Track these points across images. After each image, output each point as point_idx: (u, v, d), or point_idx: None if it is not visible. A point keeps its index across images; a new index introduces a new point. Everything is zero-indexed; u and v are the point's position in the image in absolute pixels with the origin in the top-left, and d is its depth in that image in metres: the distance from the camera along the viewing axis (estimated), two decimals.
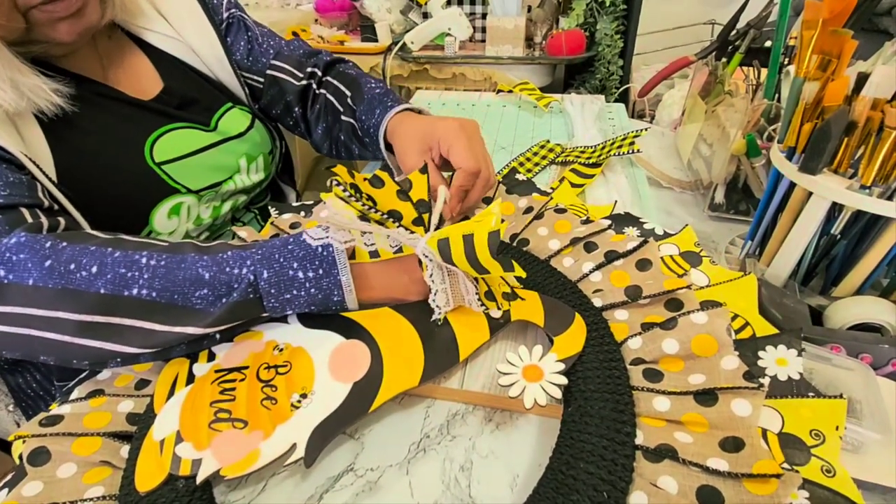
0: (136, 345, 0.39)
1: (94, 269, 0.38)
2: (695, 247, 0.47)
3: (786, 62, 0.64)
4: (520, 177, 0.60)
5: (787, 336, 0.37)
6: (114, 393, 0.42)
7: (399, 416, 0.40)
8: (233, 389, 0.39)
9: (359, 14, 1.59)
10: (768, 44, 0.82)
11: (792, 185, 0.48)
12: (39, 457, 0.36)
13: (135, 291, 0.38)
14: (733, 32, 0.86)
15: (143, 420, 0.39)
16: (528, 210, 0.54)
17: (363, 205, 0.40)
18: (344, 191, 0.39)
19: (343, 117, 0.66)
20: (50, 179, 0.47)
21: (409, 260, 0.45)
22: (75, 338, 0.38)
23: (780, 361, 0.36)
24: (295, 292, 0.41)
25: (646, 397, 0.36)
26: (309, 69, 0.67)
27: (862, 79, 0.42)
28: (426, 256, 0.41)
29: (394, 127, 0.58)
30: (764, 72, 0.67)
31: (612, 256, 0.46)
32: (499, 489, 0.35)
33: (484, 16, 1.44)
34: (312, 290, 0.41)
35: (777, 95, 0.64)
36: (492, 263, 0.38)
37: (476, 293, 0.43)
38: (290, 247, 0.41)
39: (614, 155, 0.69)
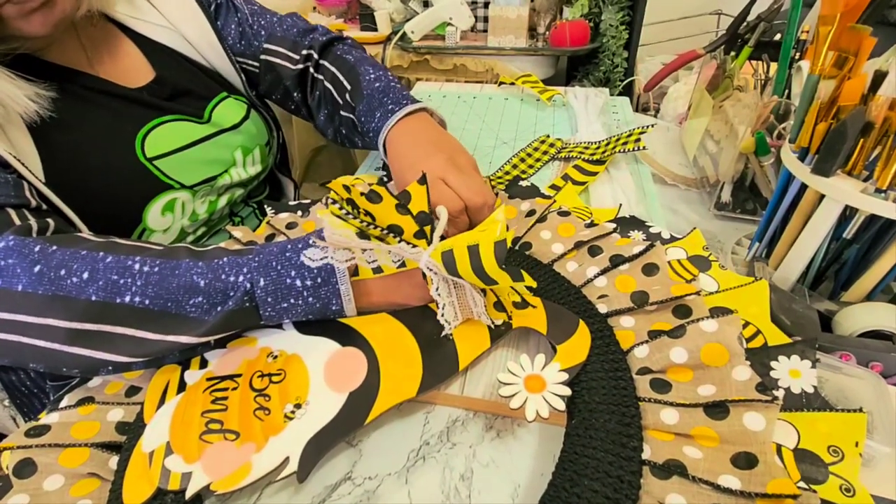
0: (127, 353, 0.37)
1: (86, 276, 0.37)
2: (703, 251, 0.45)
3: (797, 57, 0.62)
4: (523, 183, 0.58)
5: (800, 346, 0.36)
6: (104, 401, 0.40)
7: (398, 422, 0.39)
8: (225, 399, 0.38)
9: (358, 2, 1.55)
10: (779, 37, 0.80)
11: (803, 187, 0.46)
12: (25, 469, 0.35)
13: (127, 299, 0.37)
14: (743, 25, 0.83)
15: (133, 430, 0.38)
16: (531, 213, 0.53)
17: (361, 221, 0.39)
18: (340, 209, 0.38)
19: (343, 112, 0.63)
20: (39, 179, 0.45)
21: (410, 271, 0.44)
22: (65, 346, 0.37)
23: (794, 373, 0.35)
24: (292, 301, 0.40)
25: (653, 409, 0.35)
26: (304, 51, 0.64)
27: (879, 77, 0.41)
28: (430, 270, 0.39)
29: (391, 140, 0.55)
30: (774, 66, 0.65)
31: (617, 261, 0.44)
32: (500, 499, 0.33)
33: (486, 5, 1.41)
34: (310, 299, 0.40)
35: (787, 91, 0.62)
36: (500, 274, 0.36)
37: (484, 305, 0.41)
38: (287, 254, 0.40)
39: (619, 152, 0.67)
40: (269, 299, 0.39)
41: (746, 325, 0.39)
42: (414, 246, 0.39)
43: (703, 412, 0.33)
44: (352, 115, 0.62)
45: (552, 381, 0.36)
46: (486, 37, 1.42)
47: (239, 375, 0.40)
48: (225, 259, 0.40)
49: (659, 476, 0.31)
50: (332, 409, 0.37)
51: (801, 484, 0.29)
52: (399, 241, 0.39)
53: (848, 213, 0.45)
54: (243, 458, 0.34)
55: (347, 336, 0.41)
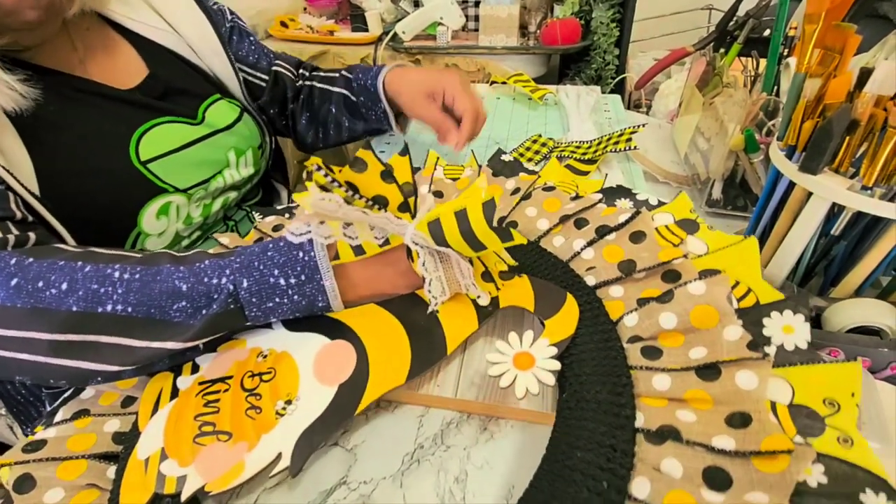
0: (114, 362, 0.37)
1: (65, 286, 0.37)
2: (690, 213, 0.44)
3: (785, 53, 0.61)
4: (505, 157, 0.57)
5: (792, 301, 0.35)
6: (99, 413, 0.40)
7: (392, 425, 0.38)
8: (217, 401, 0.38)
9: (348, 3, 1.56)
10: (768, 33, 0.80)
11: (791, 185, 0.46)
12: (24, 484, 0.35)
13: (109, 307, 0.37)
14: (732, 22, 0.82)
15: (129, 439, 0.38)
16: (516, 191, 0.52)
17: (346, 191, 0.38)
18: (325, 175, 0.37)
19: (335, 87, 0.70)
20: (28, 190, 0.45)
21: (393, 252, 0.43)
22: (50, 358, 0.36)
23: (787, 329, 0.34)
24: (277, 300, 0.39)
25: (645, 376, 0.34)
26: (301, 70, 0.75)
27: (864, 74, 0.40)
28: (416, 244, 0.38)
29: (394, 78, 0.65)
30: (763, 62, 0.64)
31: (603, 231, 0.44)
32: (494, 501, 0.33)
33: (477, 4, 1.42)
34: (295, 297, 0.40)
35: (776, 88, 0.62)
36: (490, 237, 0.35)
37: (472, 276, 0.40)
38: (269, 253, 0.40)
39: (611, 151, 0.66)
40: (254, 300, 0.39)
41: (737, 284, 0.38)
42: (399, 219, 0.39)
43: (695, 375, 0.33)
44: (344, 89, 0.70)
45: (541, 357, 0.36)
46: (477, 36, 1.42)
47: (230, 377, 0.40)
48: (207, 262, 0.40)
49: (653, 442, 0.31)
50: (323, 403, 0.36)
51: (797, 438, 0.28)
52: (384, 213, 0.39)
53: (835, 210, 0.44)
54: (236, 457, 0.34)
55: (335, 329, 0.41)
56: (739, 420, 0.29)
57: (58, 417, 0.41)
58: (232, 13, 0.70)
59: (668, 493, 0.28)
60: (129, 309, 0.37)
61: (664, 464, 0.29)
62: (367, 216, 0.38)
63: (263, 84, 0.70)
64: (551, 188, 0.50)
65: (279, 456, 0.34)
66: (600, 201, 0.47)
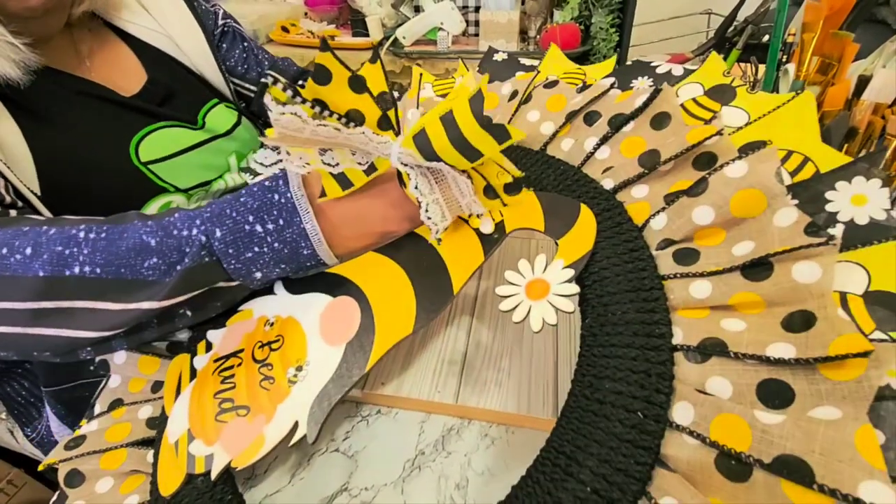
0: (91, 328, 0.35)
1: (29, 251, 0.35)
2: (724, 77, 0.36)
3: (784, 59, 0.60)
4: (498, 57, 0.49)
5: (863, 164, 0.27)
6: (132, 401, 0.41)
7: (393, 431, 0.38)
8: (232, 377, 0.37)
9: (349, 8, 1.53)
10: (766, 39, 0.79)
11: None
12: (74, 478, 0.37)
13: (76, 269, 0.34)
14: (731, 28, 0.81)
15: (160, 423, 0.38)
16: (514, 95, 0.45)
17: (312, 107, 0.32)
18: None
19: None
20: (28, 187, 0.45)
21: (380, 181, 0.38)
22: (27, 328, 0.35)
23: (857, 200, 0.27)
24: (257, 249, 0.36)
25: (680, 285, 0.29)
26: (300, 82, 0.72)
27: (862, 82, 0.40)
28: (405, 164, 0.33)
29: None
30: (762, 68, 0.63)
31: (618, 122, 0.37)
32: None
33: (477, 9, 1.39)
34: (276, 245, 0.36)
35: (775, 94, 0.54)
36: (483, 138, 0.30)
37: (472, 192, 0.35)
38: (242, 199, 0.36)
39: None
40: (230, 251, 0.35)
41: (789, 155, 0.31)
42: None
43: (741, 275, 0.27)
44: None
45: (556, 282, 0.31)
46: (477, 41, 1.40)
47: (241, 351, 0.38)
48: (176, 215, 0.36)
49: (694, 360, 0.26)
50: (332, 366, 0.35)
51: (877, 334, 0.23)
52: (361, 132, 0.33)
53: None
54: (256, 431, 0.34)
55: (337, 285, 0.38)
56: (800, 321, 0.24)
57: (96, 410, 0.42)
58: (227, 16, 0.67)
59: (716, 417, 0.24)
60: (98, 270, 0.35)
61: (709, 384, 0.25)
62: (341, 133, 0.32)
63: (252, 95, 0.68)
64: (553, 83, 0.43)
65: (296, 425, 0.33)
66: (612, 87, 0.39)
